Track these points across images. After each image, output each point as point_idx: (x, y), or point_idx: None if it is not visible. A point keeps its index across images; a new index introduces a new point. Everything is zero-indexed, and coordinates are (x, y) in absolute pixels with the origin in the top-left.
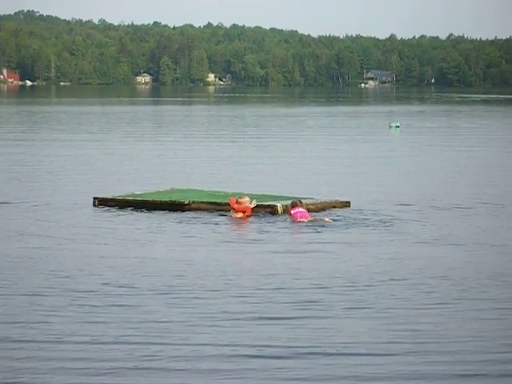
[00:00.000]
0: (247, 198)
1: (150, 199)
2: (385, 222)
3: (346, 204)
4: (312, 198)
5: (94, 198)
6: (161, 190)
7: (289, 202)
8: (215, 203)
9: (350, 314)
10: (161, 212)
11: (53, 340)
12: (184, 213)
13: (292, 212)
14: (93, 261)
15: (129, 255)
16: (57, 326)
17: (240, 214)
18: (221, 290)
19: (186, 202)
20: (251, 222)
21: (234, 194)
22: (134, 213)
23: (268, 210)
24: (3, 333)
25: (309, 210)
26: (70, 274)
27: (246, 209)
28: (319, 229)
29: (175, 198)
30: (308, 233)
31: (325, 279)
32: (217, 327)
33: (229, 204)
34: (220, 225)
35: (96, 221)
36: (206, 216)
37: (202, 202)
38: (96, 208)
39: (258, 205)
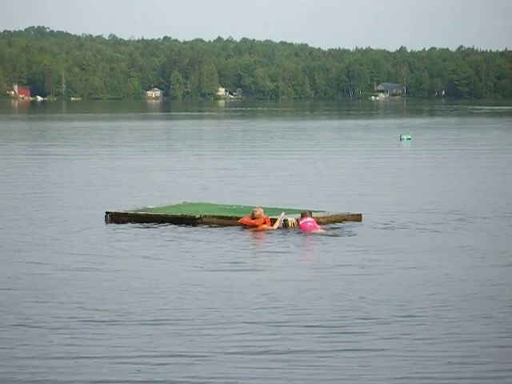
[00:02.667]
0: (261, 211)
1: (162, 213)
2: (400, 236)
3: (358, 217)
4: (323, 211)
5: (107, 213)
6: (173, 203)
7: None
8: (226, 217)
9: (396, 347)
10: (173, 226)
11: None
12: (195, 227)
13: (301, 223)
14: (103, 285)
15: (139, 278)
16: (66, 361)
17: (265, 226)
18: (236, 320)
19: (198, 217)
20: (264, 238)
21: (245, 208)
22: (146, 228)
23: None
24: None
25: (320, 223)
26: (79, 300)
27: (261, 220)
28: (334, 244)
29: (186, 212)
30: (328, 251)
31: (357, 303)
32: (231, 362)
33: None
34: (231, 241)
35: (109, 239)
36: (217, 231)
37: (213, 216)
38: (108, 223)
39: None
